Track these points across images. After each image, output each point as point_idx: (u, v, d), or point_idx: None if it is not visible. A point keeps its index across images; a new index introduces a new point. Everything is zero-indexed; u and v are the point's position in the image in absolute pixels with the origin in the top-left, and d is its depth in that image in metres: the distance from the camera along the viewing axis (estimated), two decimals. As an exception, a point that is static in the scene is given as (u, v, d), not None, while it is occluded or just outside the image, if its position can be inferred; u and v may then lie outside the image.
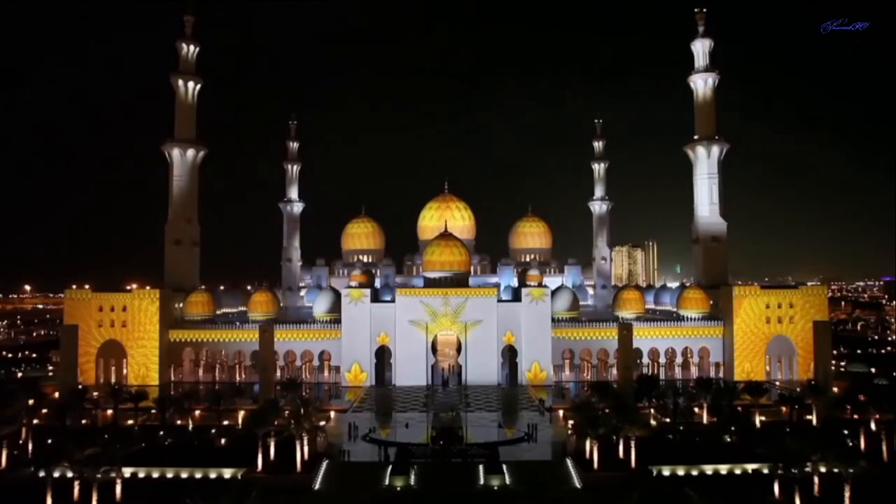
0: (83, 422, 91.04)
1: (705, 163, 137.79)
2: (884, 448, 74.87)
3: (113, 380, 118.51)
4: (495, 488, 67.05)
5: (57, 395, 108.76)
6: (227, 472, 69.14)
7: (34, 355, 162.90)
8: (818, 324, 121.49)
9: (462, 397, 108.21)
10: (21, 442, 78.53)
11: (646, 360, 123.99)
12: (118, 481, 62.58)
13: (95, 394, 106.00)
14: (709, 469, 69.01)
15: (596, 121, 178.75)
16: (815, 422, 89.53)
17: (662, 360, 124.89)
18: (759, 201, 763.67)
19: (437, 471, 71.63)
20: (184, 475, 68.87)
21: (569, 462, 73.24)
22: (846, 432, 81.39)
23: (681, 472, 68.55)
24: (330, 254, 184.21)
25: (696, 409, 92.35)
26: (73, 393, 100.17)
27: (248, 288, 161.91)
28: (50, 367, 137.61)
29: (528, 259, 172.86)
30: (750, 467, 68.77)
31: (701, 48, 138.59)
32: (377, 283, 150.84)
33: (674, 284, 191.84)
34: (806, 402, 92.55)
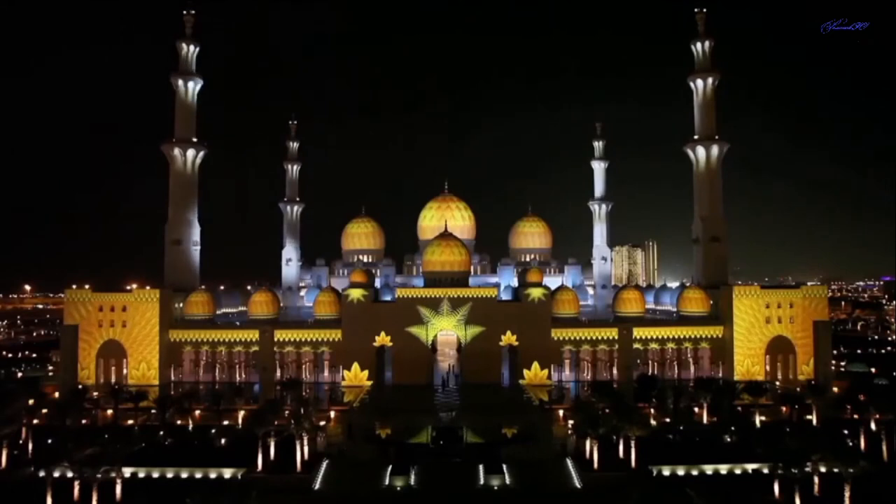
0: (83, 422, 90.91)
1: (705, 162, 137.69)
2: (884, 448, 74.89)
3: (113, 380, 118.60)
4: (495, 488, 67.09)
5: (57, 395, 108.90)
6: (227, 472, 69.17)
7: (34, 355, 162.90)
8: (818, 324, 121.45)
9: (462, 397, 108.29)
10: (21, 442, 78.47)
11: (646, 359, 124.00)
12: (118, 481, 62.64)
13: (95, 394, 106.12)
14: (709, 469, 69.04)
15: (596, 123, 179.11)
16: (815, 422, 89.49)
17: (662, 359, 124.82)
18: (760, 201, 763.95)
19: (437, 471, 71.63)
20: (184, 475, 68.91)
21: (569, 462, 73.26)
22: (846, 432, 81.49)
23: (681, 472, 68.57)
24: (330, 254, 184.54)
25: (696, 409, 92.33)
26: (73, 393, 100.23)
27: (248, 288, 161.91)
28: (50, 367, 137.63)
29: (528, 259, 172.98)
30: (750, 467, 68.79)
31: (701, 48, 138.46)
32: (377, 283, 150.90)
33: (674, 284, 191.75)
34: (806, 402, 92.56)
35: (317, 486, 68.43)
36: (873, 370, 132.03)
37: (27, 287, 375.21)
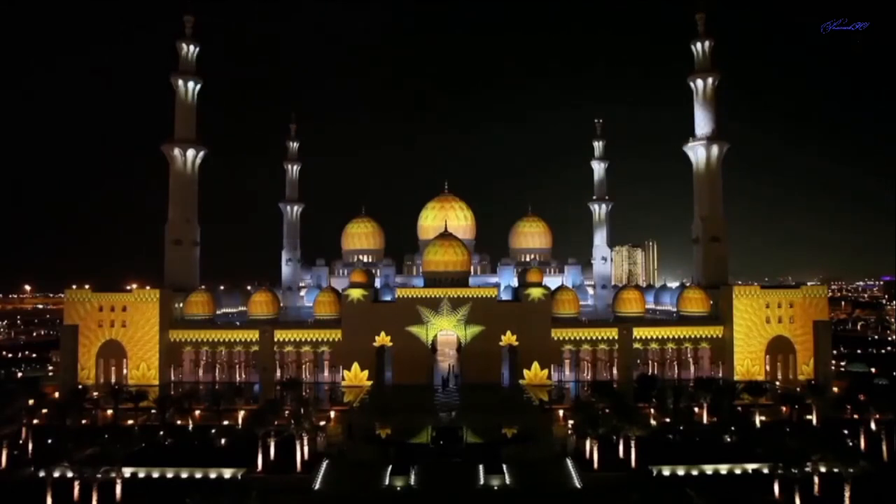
0: (83, 422, 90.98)
1: (705, 162, 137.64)
2: (884, 448, 74.89)
3: (113, 380, 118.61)
4: (495, 488, 67.09)
5: (57, 395, 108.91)
6: (227, 472, 69.20)
7: (34, 355, 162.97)
8: (818, 324, 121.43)
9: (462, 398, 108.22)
10: (21, 442, 78.52)
11: (646, 359, 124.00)
12: (118, 481, 62.64)
13: (95, 394, 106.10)
14: (709, 469, 69.05)
15: (596, 121, 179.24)
16: (815, 422, 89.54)
17: (662, 359, 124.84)
18: (760, 201, 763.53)
19: (437, 471, 71.64)
20: (184, 475, 68.94)
21: (569, 462, 73.27)
22: (846, 432, 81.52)
23: (681, 472, 68.58)
24: (330, 254, 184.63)
25: (696, 409, 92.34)
26: (73, 393, 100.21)
27: (248, 288, 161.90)
28: (50, 367, 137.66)
29: (528, 259, 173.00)
30: (750, 467, 68.81)
31: (701, 48, 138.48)
32: (377, 283, 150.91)
33: (674, 284, 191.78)
34: (806, 402, 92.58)
35: (317, 486, 68.43)
36: (873, 370, 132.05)
37: (27, 287, 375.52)
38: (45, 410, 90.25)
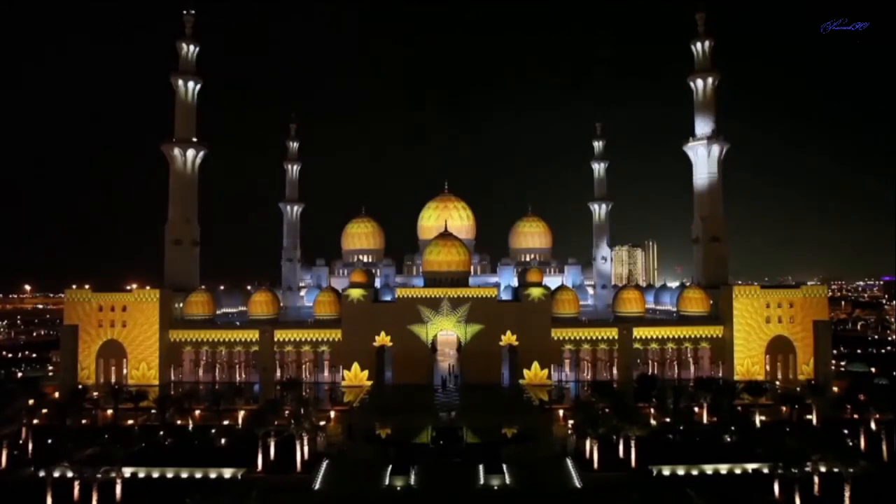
0: (83, 422, 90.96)
1: (705, 162, 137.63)
2: (884, 448, 74.88)
3: (113, 380, 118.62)
4: (495, 488, 67.09)
5: (57, 395, 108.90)
6: (227, 472, 69.20)
7: (34, 355, 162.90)
8: (818, 324, 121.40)
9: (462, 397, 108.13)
10: (21, 442, 78.50)
11: (646, 359, 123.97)
12: (118, 481, 62.64)
13: (95, 394, 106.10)
14: (709, 469, 69.04)
15: (596, 123, 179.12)
16: (815, 422, 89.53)
17: (662, 359, 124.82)
18: (759, 201, 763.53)
19: (437, 471, 71.63)
20: (184, 475, 68.94)
21: (569, 462, 73.27)
22: (846, 432, 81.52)
23: (681, 472, 68.58)
24: (330, 254, 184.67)
25: (696, 409, 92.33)
26: (73, 393, 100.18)
27: (248, 288, 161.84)
28: (50, 367, 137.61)
29: (528, 259, 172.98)
30: (750, 467, 68.80)
31: (701, 48, 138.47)
32: (377, 283, 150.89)
33: (674, 284, 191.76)
34: (806, 401, 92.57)
35: (317, 486, 68.43)
36: (873, 370, 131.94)
37: (27, 287, 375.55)
38: (45, 410, 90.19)
